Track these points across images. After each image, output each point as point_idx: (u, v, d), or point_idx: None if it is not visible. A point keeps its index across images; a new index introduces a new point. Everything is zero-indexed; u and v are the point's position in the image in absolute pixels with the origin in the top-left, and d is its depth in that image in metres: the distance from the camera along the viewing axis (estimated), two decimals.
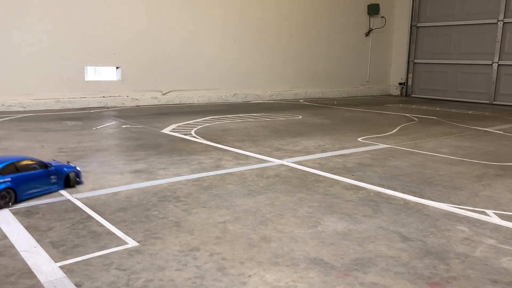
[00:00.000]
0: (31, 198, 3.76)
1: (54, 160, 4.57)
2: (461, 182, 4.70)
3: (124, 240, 3.04)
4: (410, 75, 16.30)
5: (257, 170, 4.97)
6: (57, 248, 2.89)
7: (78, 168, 4.24)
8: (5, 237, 3.06)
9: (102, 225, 3.29)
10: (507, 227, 3.43)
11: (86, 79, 10.35)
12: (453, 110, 11.78)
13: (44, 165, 3.91)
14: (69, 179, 4.09)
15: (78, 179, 4.21)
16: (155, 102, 11.33)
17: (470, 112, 11.52)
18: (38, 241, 3.00)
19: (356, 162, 5.46)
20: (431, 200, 4.07)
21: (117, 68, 10.78)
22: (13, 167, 3.63)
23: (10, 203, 3.56)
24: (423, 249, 3.01)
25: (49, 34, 9.66)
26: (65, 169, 4.08)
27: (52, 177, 3.93)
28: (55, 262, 2.70)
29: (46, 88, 9.81)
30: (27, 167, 3.75)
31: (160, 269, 2.65)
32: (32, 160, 3.86)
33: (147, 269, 2.64)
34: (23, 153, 5.54)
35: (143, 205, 3.76)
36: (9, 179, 3.56)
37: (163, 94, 11.51)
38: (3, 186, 3.50)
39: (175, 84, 11.68)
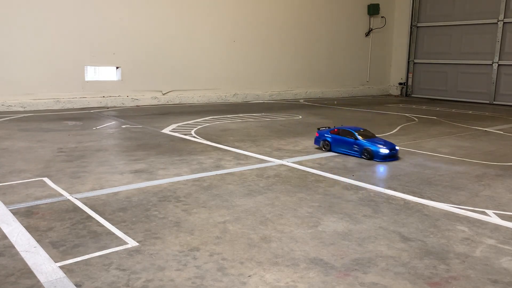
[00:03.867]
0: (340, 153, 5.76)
1: (381, 139, 5.91)
2: (461, 182, 4.70)
3: (124, 240, 3.04)
4: (410, 75, 16.31)
5: (257, 170, 4.97)
6: (57, 248, 2.89)
7: (375, 148, 5.56)
8: (5, 237, 3.06)
9: (102, 225, 3.29)
10: (507, 227, 3.43)
11: (86, 79, 10.35)
12: (453, 110, 11.78)
13: (355, 137, 5.74)
14: (367, 152, 5.58)
15: (374, 155, 5.55)
16: (155, 102, 11.33)
17: (470, 112, 11.51)
18: (38, 241, 3.00)
19: (356, 162, 5.46)
20: (431, 200, 4.07)
21: (117, 68, 10.78)
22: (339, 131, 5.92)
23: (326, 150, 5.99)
24: (423, 249, 3.01)
25: (49, 34, 9.67)
26: (367, 145, 5.62)
27: (355, 146, 5.70)
28: (55, 262, 2.70)
29: (46, 88, 9.81)
30: (345, 134, 5.84)
31: (160, 269, 2.65)
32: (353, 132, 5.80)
33: (147, 269, 2.64)
34: (22, 153, 5.54)
35: (143, 205, 3.76)
36: (330, 136, 5.99)
37: (163, 94, 11.51)
38: (324, 138, 6.05)
39: (175, 84, 11.68)
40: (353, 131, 5.78)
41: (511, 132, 8.23)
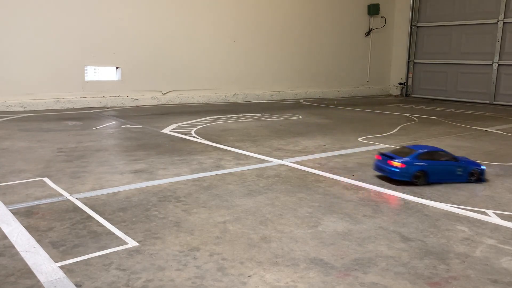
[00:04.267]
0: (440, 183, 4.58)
1: (464, 157, 5.08)
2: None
3: (124, 240, 3.04)
4: (410, 75, 16.30)
5: (257, 170, 4.97)
6: (57, 248, 2.89)
7: (482, 167, 4.73)
8: (5, 237, 3.06)
9: (102, 225, 3.29)
10: (507, 227, 3.43)
11: (86, 79, 10.35)
12: (453, 110, 11.77)
13: (454, 158, 4.67)
14: (473, 174, 4.66)
15: (481, 177, 4.69)
16: (155, 102, 11.33)
17: (470, 112, 11.51)
18: (38, 241, 3.00)
19: (356, 162, 5.46)
20: (431, 200, 4.07)
21: (117, 68, 10.78)
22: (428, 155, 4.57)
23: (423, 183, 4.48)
24: (423, 249, 3.01)
25: (49, 34, 9.66)
26: (470, 165, 4.69)
27: (459, 169, 4.63)
28: (55, 262, 2.70)
29: (46, 88, 9.81)
30: (439, 157, 4.63)
31: (160, 269, 2.65)
32: (444, 153, 4.70)
33: (147, 269, 2.64)
34: (22, 153, 5.54)
35: (143, 205, 3.76)
36: (425, 163, 4.50)
37: (163, 94, 11.51)
38: (417, 168, 4.45)
39: (175, 84, 11.68)
40: (445, 152, 4.72)
41: (511, 132, 8.23)
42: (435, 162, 4.53)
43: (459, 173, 4.60)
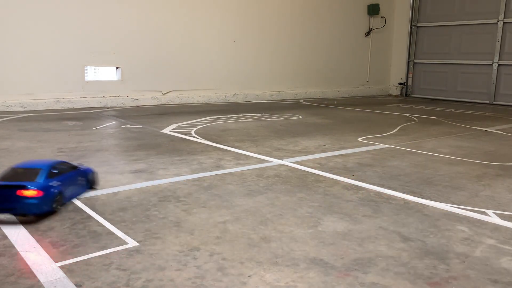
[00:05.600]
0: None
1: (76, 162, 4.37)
2: (461, 182, 4.70)
3: (124, 240, 3.04)
4: (410, 75, 16.30)
5: (257, 170, 4.97)
6: (57, 248, 2.89)
7: (91, 170, 4.13)
8: (5, 237, 3.06)
9: (102, 225, 3.29)
10: (507, 227, 3.43)
11: (86, 79, 10.34)
12: (453, 110, 11.77)
13: (73, 167, 3.82)
14: (91, 181, 4.04)
15: (94, 181, 4.12)
16: (155, 102, 11.33)
17: (470, 112, 11.51)
18: (38, 241, 3.00)
19: (356, 162, 5.46)
20: (431, 200, 4.07)
21: (117, 68, 10.78)
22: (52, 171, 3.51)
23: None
24: (423, 249, 3.01)
25: (49, 34, 9.66)
26: (88, 171, 3.99)
27: (81, 178, 3.87)
28: (55, 262, 2.70)
29: (46, 88, 9.81)
30: (64, 170, 3.66)
31: (160, 269, 2.65)
32: (64, 163, 3.79)
33: (147, 269, 2.64)
34: (22, 153, 5.54)
35: (143, 205, 3.76)
36: (59, 181, 3.46)
37: (163, 94, 11.51)
38: (56, 190, 3.39)
39: (175, 84, 11.68)
40: (63, 161, 3.81)
41: (511, 132, 8.23)
42: (64, 176, 3.59)
43: (82, 182, 3.88)
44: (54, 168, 3.54)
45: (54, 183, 3.41)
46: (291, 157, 5.68)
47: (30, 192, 3.20)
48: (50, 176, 3.42)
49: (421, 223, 3.49)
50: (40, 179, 3.33)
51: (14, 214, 3.32)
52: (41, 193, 3.24)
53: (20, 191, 3.20)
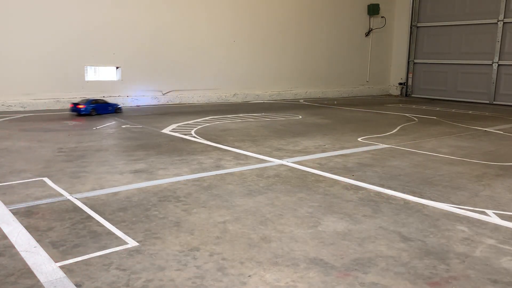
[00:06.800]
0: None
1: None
2: (461, 182, 4.70)
3: (124, 240, 3.03)
4: (410, 75, 16.31)
5: (257, 170, 4.97)
6: (57, 248, 2.89)
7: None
8: (5, 237, 3.06)
9: (102, 225, 3.29)
10: (507, 227, 3.43)
11: (86, 79, 10.35)
12: (453, 110, 11.78)
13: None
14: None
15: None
16: (155, 102, 11.34)
17: (470, 112, 11.52)
18: (38, 241, 3.00)
19: (356, 162, 5.46)
20: (431, 200, 4.07)
21: (117, 68, 10.78)
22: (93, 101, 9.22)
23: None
24: (423, 249, 3.01)
25: (49, 34, 9.66)
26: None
27: (109, 107, 9.38)
28: (55, 262, 2.70)
29: (46, 88, 9.81)
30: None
31: (160, 269, 2.65)
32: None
33: (147, 269, 2.64)
34: (22, 153, 5.55)
35: (143, 205, 3.76)
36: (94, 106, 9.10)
37: (163, 94, 11.51)
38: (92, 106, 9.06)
39: (175, 84, 11.68)
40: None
41: (511, 132, 8.23)
42: (98, 104, 9.11)
43: (110, 108, 9.41)
44: (94, 101, 9.06)
45: (90, 106, 8.97)
46: (291, 157, 5.68)
47: (81, 106, 8.88)
48: (91, 103, 8.98)
49: (421, 223, 3.49)
50: (86, 104, 8.96)
51: (78, 114, 8.78)
52: (84, 107, 8.85)
53: (78, 105, 8.94)
